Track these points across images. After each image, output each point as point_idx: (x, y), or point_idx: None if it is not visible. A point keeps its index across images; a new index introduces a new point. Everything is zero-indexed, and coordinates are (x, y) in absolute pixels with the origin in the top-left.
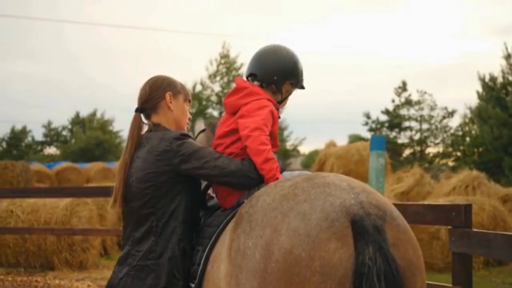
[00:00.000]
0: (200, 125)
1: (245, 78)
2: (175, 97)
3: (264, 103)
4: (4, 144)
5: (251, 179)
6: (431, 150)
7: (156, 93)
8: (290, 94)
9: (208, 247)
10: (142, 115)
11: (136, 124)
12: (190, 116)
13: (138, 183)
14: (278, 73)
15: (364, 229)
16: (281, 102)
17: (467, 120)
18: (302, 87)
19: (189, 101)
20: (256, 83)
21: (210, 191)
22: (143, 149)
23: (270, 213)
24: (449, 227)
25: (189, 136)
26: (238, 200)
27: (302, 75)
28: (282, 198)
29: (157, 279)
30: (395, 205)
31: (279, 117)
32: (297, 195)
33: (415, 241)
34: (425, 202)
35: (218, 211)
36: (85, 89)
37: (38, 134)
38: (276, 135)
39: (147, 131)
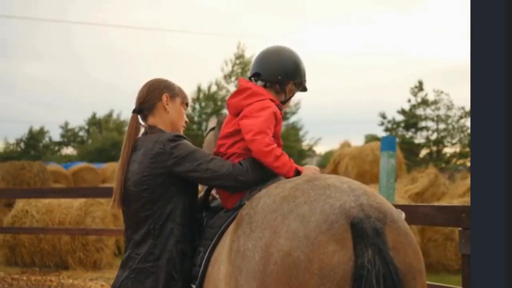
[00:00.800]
0: (212, 122)
1: (248, 79)
2: (172, 99)
3: (267, 104)
4: (22, 145)
5: (242, 182)
6: (448, 150)
7: (153, 95)
8: (293, 94)
9: (209, 248)
10: (139, 116)
11: (134, 125)
12: (187, 120)
13: (135, 187)
14: (282, 73)
15: (363, 232)
16: (285, 102)
17: None
18: (305, 89)
19: (187, 104)
20: (259, 83)
21: (213, 192)
22: (138, 152)
23: (270, 215)
24: (459, 228)
25: (184, 138)
26: (240, 201)
27: (305, 76)
28: (282, 200)
29: (156, 282)
30: (405, 206)
31: (282, 118)
32: (297, 197)
33: (415, 244)
34: (437, 203)
35: (221, 212)
36: (101, 91)
37: (55, 134)
38: (279, 135)
39: (142, 134)
